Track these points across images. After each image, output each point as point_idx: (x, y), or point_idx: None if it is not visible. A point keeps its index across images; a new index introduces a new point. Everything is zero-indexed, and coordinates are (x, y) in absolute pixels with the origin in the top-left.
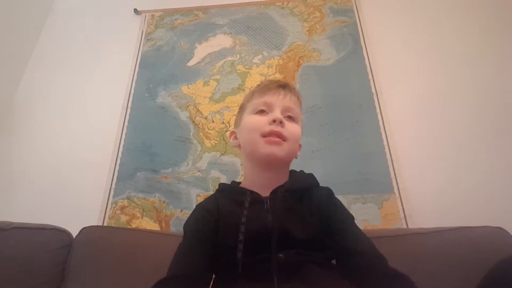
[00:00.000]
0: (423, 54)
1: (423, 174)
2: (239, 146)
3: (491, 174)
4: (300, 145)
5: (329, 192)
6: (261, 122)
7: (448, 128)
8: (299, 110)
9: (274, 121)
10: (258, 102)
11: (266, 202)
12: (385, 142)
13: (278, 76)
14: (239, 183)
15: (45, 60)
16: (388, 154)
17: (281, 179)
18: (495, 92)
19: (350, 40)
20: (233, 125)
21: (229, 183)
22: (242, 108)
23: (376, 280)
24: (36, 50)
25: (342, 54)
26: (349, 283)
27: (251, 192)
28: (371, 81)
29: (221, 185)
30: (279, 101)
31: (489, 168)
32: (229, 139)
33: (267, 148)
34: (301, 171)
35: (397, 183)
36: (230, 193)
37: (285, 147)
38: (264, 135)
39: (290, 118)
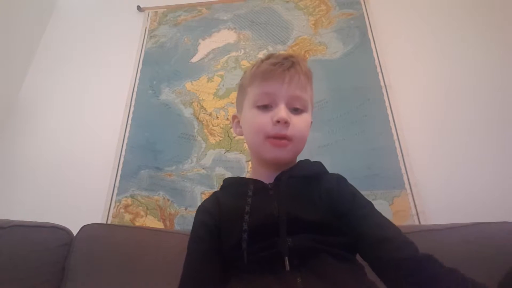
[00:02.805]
0: (433, 45)
1: (435, 169)
2: (242, 134)
3: (508, 166)
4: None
5: (339, 178)
6: (265, 122)
7: (461, 121)
8: (308, 92)
9: (278, 121)
10: (259, 92)
11: (270, 189)
12: (395, 137)
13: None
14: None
15: (49, 58)
16: (398, 149)
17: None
18: (510, 83)
19: (357, 33)
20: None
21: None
22: (242, 91)
23: (409, 268)
24: (40, 48)
25: (349, 47)
26: (371, 281)
27: (254, 181)
28: (380, 74)
29: (225, 180)
30: (283, 91)
31: (505, 160)
32: (231, 124)
33: (272, 152)
34: (307, 160)
35: (408, 179)
36: (232, 187)
37: (291, 149)
38: (269, 137)
39: (297, 109)
